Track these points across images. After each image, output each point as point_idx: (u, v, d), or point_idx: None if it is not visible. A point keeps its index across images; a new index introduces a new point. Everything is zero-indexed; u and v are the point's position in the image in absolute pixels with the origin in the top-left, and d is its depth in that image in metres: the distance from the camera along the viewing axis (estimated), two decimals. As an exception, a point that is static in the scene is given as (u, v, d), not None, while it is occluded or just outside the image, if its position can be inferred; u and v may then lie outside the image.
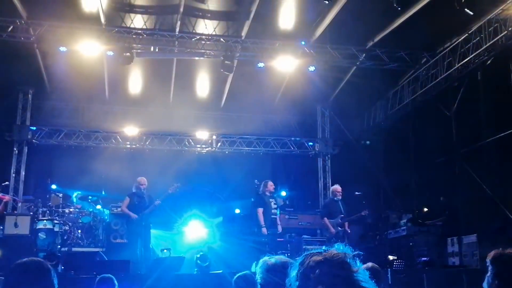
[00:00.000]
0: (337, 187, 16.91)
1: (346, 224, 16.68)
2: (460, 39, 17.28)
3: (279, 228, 16.62)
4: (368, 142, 24.11)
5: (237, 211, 20.94)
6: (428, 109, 19.75)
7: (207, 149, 23.87)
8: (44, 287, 4.05)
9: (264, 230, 15.81)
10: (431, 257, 16.37)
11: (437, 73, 18.57)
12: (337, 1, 16.68)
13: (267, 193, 16.37)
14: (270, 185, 16.52)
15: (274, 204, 16.44)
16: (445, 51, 18.20)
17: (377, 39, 18.88)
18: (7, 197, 17.02)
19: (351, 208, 17.00)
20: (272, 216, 16.27)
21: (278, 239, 17.22)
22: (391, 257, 16.13)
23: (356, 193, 17.30)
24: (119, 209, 17.63)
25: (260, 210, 16.03)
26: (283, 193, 20.89)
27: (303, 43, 19.14)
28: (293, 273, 3.00)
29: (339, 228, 16.42)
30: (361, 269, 2.88)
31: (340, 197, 16.72)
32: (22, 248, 14.93)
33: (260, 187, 16.61)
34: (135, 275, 13.46)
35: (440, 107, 18.66)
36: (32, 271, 4.07)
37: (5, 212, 16.63)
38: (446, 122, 18.27)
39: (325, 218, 16.64)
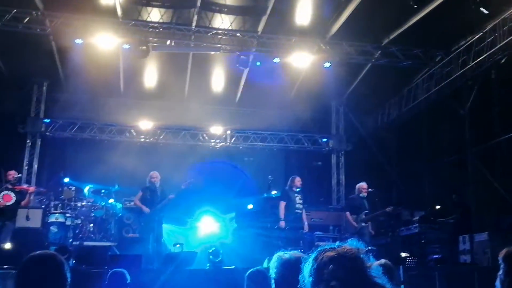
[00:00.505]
0: (363, 184, 16.86)
1: (370, 224, 16.68)
2: (474, 38, 17.24)
3: (305, 227, 16.61)
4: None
5: (250, 206, 20.92)
6: (442, 107, 19.72)
7: (221, 144, 23.89)
8: (57, 280, 4.06)
9: (282, 223, 15.88)
10: (443, 254, 16.35)
11: (451, 71, 18.54)
12: (353, -2, 16.74)
13: (294, 188, 16.45)
14: (297, 180, 16.58)
15: (300, 199, 16.46)
16: (459, 50, 18.16)
17: (392, 36, 18.89)
18: (31, 188, 16.85)
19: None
20: (297, 211, 16.29)
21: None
22: (403, 254, 16.12)
23: (369, 189, 17.27)
24: (131, 203, 17.67)
25: (283, 203, 16.12)
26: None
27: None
28: (307, 268, 3.03)
29: (363, 224, 16.40)
30: (374, 265, 2.91)
31: (365, 194, 16.70)
32: (33, 242, 14.88)
33: (287, 181, 16.74)
34: (147, 269, 13.46)
35: (454, 105, 18.64)
36: (46, 264, 4.09)
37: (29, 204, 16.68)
38: (460, 120, 18.24)
39: (347, 213, 16.66)
